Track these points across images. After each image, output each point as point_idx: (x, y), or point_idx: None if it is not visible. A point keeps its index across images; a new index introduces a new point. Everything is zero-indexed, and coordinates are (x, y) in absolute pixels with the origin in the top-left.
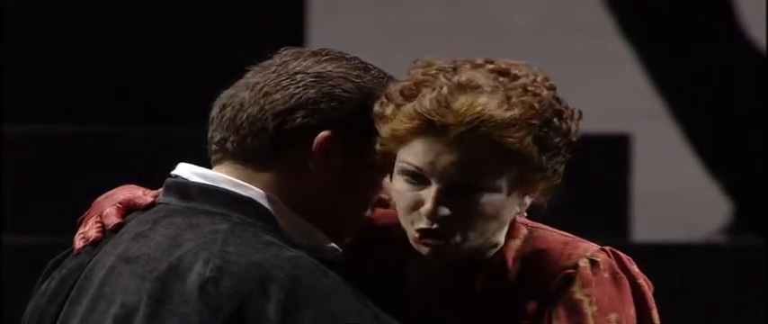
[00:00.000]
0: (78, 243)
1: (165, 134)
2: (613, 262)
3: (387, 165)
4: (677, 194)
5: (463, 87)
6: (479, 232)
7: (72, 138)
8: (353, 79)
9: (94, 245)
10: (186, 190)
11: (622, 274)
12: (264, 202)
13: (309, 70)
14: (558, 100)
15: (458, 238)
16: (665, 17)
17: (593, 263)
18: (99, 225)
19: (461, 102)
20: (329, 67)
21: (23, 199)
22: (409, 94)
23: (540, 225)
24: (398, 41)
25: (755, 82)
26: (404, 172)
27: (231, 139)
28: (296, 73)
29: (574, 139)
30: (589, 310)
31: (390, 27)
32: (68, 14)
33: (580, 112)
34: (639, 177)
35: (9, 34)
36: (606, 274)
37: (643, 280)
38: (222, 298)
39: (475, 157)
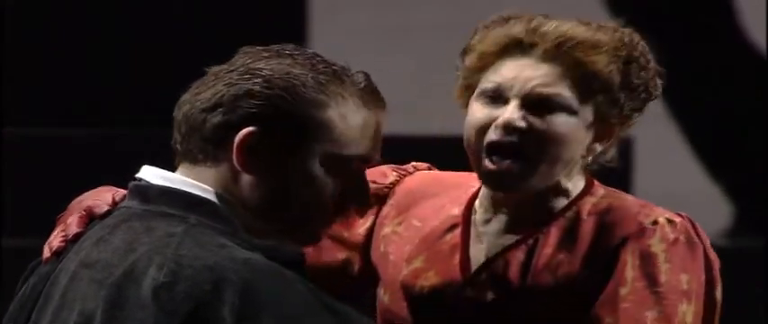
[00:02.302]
0: (45, 252)
1: (164, 136)
2: (690, 227)
3: (464, 105)
4: (678, 197)
5: (554, 17)
6: (547, 157)
7: (72, 140)
8: (284, 76)
9: (58, 254)
10: (147, 193)
11: (697, 241)
12: (221, 203)
13: (241, 68)
14: (646, 49)
15: (526, 160)
16: (665, 17)
17: (671, 223)
18: (63, 235)
19: (551, 24)
20: (266, 65)
21: (23, 201)
22: (500, 22)
23: (616, 190)
24: (398, 41)
25: (755, 82)
26: (483, 93)
27: (178, 139)
28: (229, 71)
29: (653, 92)
30: (663, 266)
31: (390, 27)
32: (68, 16)
33: (663, 74)
34: (640, 180)
35: (9, 36)
36: (682, 237)
37: (712, 253)
38: (176, 302)
39: (558, 73)
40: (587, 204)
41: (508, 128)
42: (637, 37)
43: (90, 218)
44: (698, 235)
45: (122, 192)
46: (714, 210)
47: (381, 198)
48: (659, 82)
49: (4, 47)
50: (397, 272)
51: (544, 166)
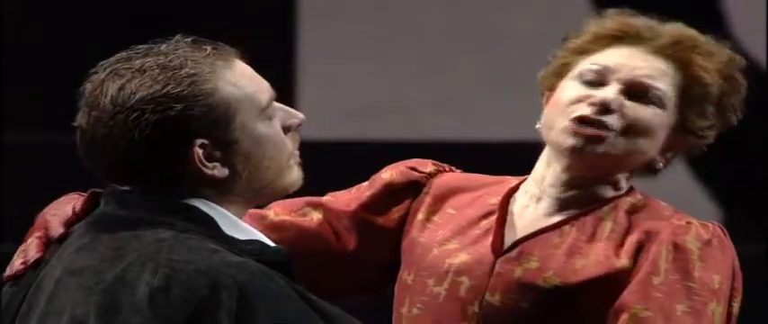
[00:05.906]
0: (17, 265)
1: None
2: (721, 233)
3: (549, 90)
4: (678, 201)
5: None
6: (629, 144)
7: (73, 145)
8: (154, 96)
9: (37, 264)
10: (126, 198)
11: (730, 246)
12: (206, 208)
13: (113, 109)
14: (745, 82)
15: (610, 135)
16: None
17: (704, 225)
18: (22, 260)
19: (673, 25)
20: (128, 94)
21: (24, 207)
22: (617, 13)
23: (652, 196)
24: (395, 44)
25: (755, 87)
26: (581, 75)
27: (126, 183)
28: (111, 117)
29: (729, 122)
30: (697, 264)
31: (386, 30)
32: (69, 20)
33: (741, 122)
34: (641, 183)
35: (9, 38)
36: (715, 240)
37: (738, 265)
38: (172, 307)
39: (665, 70)
40: (625, 203)
41: (604, 106)
42: (744, 65)
43: (48, 241)
44: (729, 240)
45: (83, 199)
46: (714, 216)
47: (419, 186)
48: (736, 117)
49: (3, 49)
50: (427, 253)
51: (623, 150)
